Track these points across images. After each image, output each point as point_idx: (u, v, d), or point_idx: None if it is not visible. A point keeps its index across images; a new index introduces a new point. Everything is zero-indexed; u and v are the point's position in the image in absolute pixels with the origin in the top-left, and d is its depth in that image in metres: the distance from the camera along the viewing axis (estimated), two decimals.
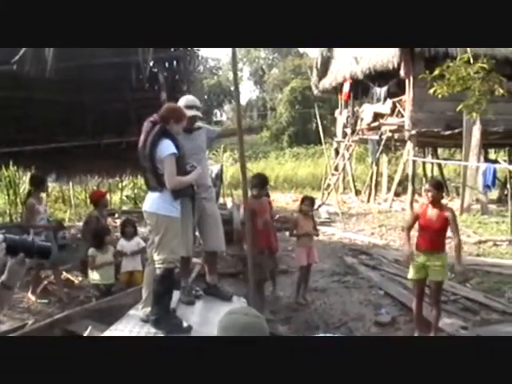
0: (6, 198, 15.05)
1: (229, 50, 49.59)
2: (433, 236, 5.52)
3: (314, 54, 32.61)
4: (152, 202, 4.46)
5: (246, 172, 5.32)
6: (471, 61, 7.57)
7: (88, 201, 14.44)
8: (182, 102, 5.11)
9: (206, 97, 43.90)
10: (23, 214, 8.60)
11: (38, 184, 7.31)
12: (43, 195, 7.83)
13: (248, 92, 52.58)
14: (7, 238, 1.98)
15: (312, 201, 7.47)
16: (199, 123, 5.31)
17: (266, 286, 6.68)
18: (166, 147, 4.31)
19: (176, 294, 4.98)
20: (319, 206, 15.69)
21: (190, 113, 4.86)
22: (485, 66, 7.49)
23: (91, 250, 6.54)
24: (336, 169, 19.44)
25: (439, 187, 5.63)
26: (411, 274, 5.75)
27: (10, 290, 2.08)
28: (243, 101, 41.36)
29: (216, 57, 51.39)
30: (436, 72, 7.75)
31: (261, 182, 6.41)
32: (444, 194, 5.96)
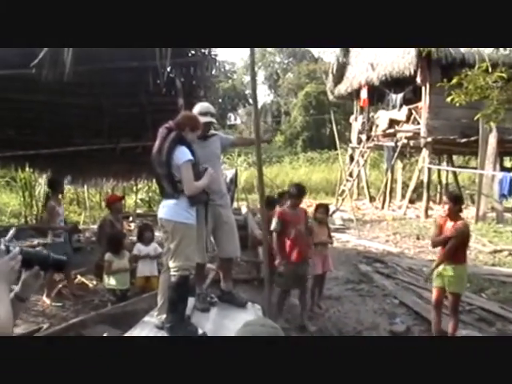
0: (22, 199, 15.20)
1: (243, 54, 49.75)
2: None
3: (329, 58, 32.65)
4: (168, 209, 4.45)
5: (263, 178, 5.30)
6: (490, 70, 7.52)
7: (103, 203, 14.53)
8: (197, 108, 5.12)
9: (220, 100, 43.94)
10: (43, 216, 8.78)
11: (55, 186, 7.54)
12: (61, 197, 7.97)
13: (262, 96, 52.54)
14: (23, 250, 1.98)
15: (326, 208, 7.42)
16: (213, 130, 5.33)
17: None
18: (183, 154, 4.31)
19: (191, 301, 4.98)
20: (333, 212, 15.64)
21: (204, 119, 4.86)
22: (503, 75, 7.43)
23: (108, 255, 6.54)
24: (350, 175, 19.40)
25: (456, 200, 5.54)
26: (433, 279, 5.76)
27: (24, 302, 2.09)
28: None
29: (231, 60, 51.19)
30: (454, 81, 7.70)
31: (299, 192, 6.40)
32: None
